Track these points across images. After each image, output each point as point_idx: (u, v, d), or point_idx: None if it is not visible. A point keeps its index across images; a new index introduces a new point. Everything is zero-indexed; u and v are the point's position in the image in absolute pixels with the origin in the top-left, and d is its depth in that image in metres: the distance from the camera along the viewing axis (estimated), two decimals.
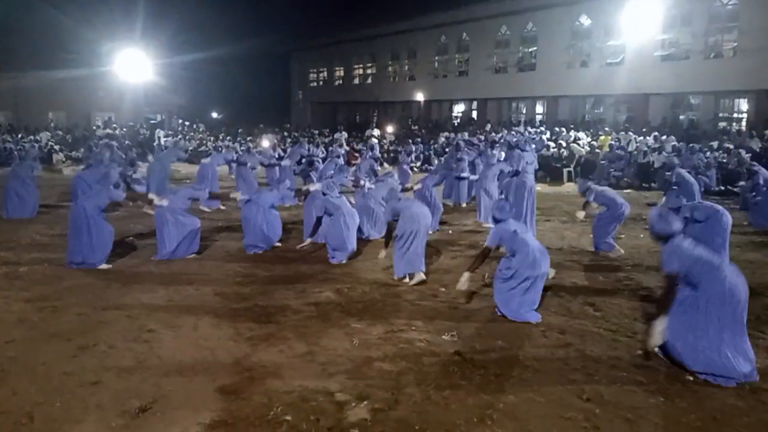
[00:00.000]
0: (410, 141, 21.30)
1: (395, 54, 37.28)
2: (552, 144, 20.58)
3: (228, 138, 27.27)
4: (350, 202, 8.42)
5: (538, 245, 5.71)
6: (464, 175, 12.09)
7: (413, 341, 5.08)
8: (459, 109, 35.22)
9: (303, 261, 7.95)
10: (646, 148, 18.17)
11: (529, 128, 25.67)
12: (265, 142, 21.36)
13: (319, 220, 7.98)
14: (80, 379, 4.29)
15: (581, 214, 8.76)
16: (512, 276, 5.59)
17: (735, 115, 24.16)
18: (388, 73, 38.14)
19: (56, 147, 24.08)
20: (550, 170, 18.48)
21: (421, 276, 6.86)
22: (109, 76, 29.35)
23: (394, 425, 3.71)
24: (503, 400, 4.03)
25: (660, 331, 4.31)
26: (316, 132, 30.13)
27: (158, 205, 7.89)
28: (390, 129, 31.29)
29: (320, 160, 13.85)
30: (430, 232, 9.29)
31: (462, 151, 13.25)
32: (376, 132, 29.01)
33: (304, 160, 13.89)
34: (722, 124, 23.30)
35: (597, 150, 19.36)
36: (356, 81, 40.75)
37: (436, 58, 34.37)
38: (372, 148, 20.30)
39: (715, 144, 18.93)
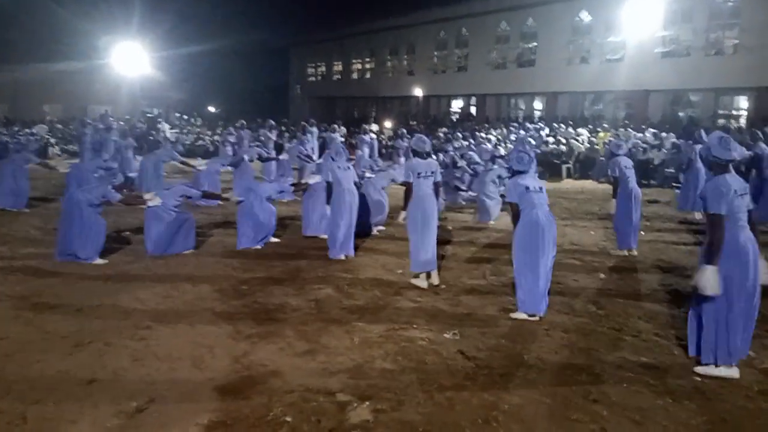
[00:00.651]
0: (401, 137, 20.99)
1: (394, 49, 37.15)
2: (551, 140, 20.50)
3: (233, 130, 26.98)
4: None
5: (546, 211, 5.54)
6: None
7: (415, 340, 5.00)
8: (458, 104, 35.13)
9: (302, 257, 7.85)
10: (645, 146, 18.09)
11: (527, 124, 25.57)
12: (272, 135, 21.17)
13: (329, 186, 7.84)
14: (75, 377, 4.19)
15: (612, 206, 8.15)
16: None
17: (734, 112, 24.11)
18: (386, 68, 38.02)
19: (52, 141, 23.92)
20: (548, 166, 18.40)
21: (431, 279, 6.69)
22: (106, 69, 29.16)
23: (398, 427, 3.63)
24: (508, 401, 3.95)
25: (713, 280, 4.03)
26: (313, 121, 29.91)
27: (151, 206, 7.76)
28: (388, 124, 31.18)
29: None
30: (375, 231, 9.21)
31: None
32: (375, 127, 28.89)
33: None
34: (722, 121, 23.24)
35: (596, 146, 19.29)
36: (355, 76, 40.61)
37: (435, 53, 34.25)
38: (363, 141, 20.03)
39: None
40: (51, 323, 5.26)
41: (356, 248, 7.96)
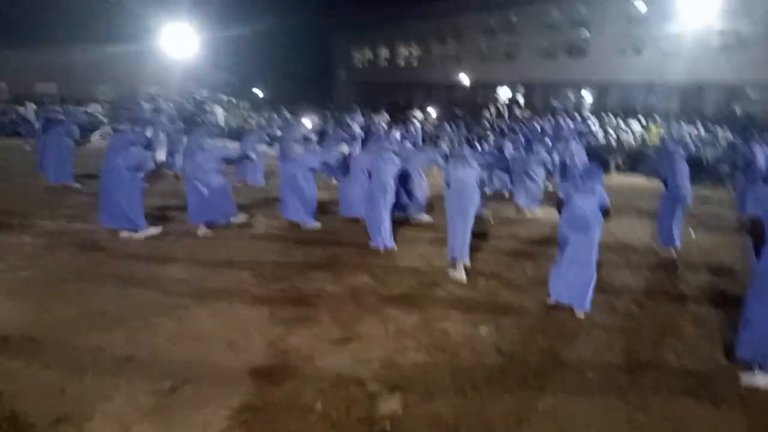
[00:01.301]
0: (446, 124, 20.77)
1: (441, 36, 36.76)
2: (600, 132, 19.96)
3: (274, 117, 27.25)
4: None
5: (590, 208, 5.41)
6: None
7: (450, 332, 4.93)
8: (505, 92, 34.56)
9: (341, 243, 7.85)
10: (699, 143, 17.44)
11: (576, 114, 24.97)
12: (307, 122, 21.30)
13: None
14: (114, 354, 4.28)
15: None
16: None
17: None
18: (433, 55, 37.68)
19: (105, 120, 24.55)
20: (596, 160, 17.92)
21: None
22: (156, 51, 29.67)
23: (427, 420, 3.59)
24: (542, 401, 3.87)
25: None
26: (358, 108, 29.93)
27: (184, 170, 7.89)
28: (433, 112, 30.91)
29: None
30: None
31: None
32: (419, 114, 28.68)
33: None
34: None
35: (646, 140, 18.71)
36: (401, 62, 40.38)
37: (483, 40, 33.73)
38: (408, 131, 19.97)
39: None
40: (93, 299, 5.39)
41: (394, 236, 7.89)
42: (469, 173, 6.56)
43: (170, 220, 8.84)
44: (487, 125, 22.72)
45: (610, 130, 20.29)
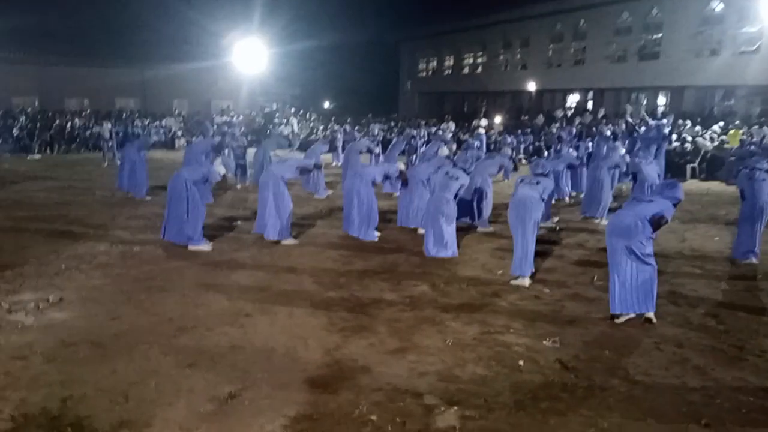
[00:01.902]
0: (507, 135, 20.47)
1: (507, 43, 36.25)
2: (674, 137, 19.11)
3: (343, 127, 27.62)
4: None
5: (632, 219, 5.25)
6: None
7: (511, 345, 4.78)
8: (573, 99, 33.71)
9: (400, 251, 7.81)
10: None
11: (650, 120, 24.02)
12: (374, 131, 21.53)
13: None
14: (176, 360, 4.38)
15: None
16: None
17: None
18: (498, 62, 37.18)
19: (179, 133, 25.59)
20: (672, 166, 17.17)
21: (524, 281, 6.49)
22: (228, 66, 30.75)
23: None
24: (608, 419, 3.67)
25: None
26: (423, 121, 29.91)
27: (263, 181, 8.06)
28: (498, 119, 30.52)
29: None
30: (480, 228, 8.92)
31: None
32: (484, 122, 28.38)
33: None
34: None
35: (725, 145, 17.77)
36: (465, 70, 40.08)
37: (551, 46, 33.04)
38: (479, 138, 19.93)
39: None
40: (159, 306, 5.56)
41: (457, 245, 7.78)
42: (531, 187, 6.43)
43: (238, 228, 9.05)
44: (554, 132, 22.21)
45: (687, 136, 19.41)
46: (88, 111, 28.18)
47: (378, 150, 14.74)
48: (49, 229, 8.72)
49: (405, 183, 8.97)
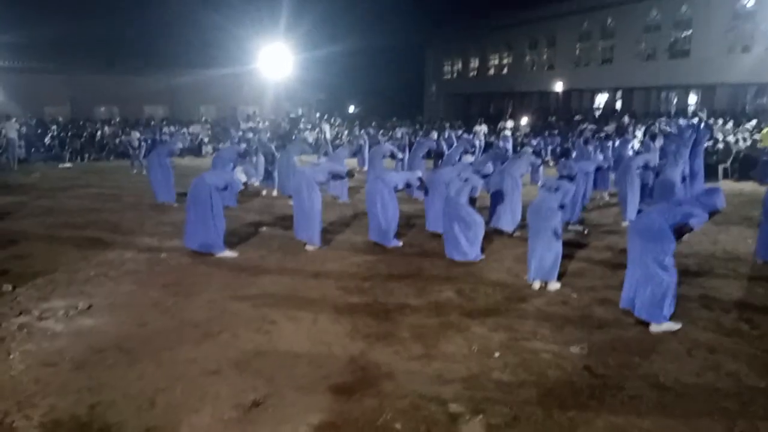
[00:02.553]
0: (535, 135, 20.29)
1: (533, 42, 35.95)
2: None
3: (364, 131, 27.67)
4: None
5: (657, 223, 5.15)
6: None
7: (538, 352, 4.70)
8: (601, 99, 33.25)
9: (425, 256, 7.76)
10: None
11: (680, 120, 23.57)
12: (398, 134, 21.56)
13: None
14: (202, 367, 4.40)
15: None
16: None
17: None
18: (525, 63, 36.88)
19: (205, 140, 25.88)
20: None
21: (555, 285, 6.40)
22: (253, 72, 31.07)
23: None
24: (638, 426, 3.58)
25: None
26: (447, 124, 29.78)
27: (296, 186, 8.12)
28: (525, 120, 30.25)
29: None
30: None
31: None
32: (510, 124, 28.16)
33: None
34: None
35: (759, 144, 17.33)
36: (491, 71, 39.85)
37: (578, 45, 32.66)
38: (505, 140, 19.84)
39: None
40: (186, 312, 5.60)
41: (482, 249, 7.70)
42: (550, 194, 6.34)
43: (263, 234, 9.10)
44: (581, 133, 21.93)
45: (719, 134, 18.99)
46: (118, 119, 28.72)
47: (402, 155, 14.67)
48: (79, 236, 8.87)
49: (425, 191, 8.97)
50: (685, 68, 26.54)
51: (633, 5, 28.54)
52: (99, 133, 24.65)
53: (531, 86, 35.76)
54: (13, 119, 20.71)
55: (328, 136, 25.10)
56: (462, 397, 3.95)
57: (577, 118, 23.31)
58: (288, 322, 5.36)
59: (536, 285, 6.33)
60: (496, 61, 39.47)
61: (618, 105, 31.26)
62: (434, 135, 18.88)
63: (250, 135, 19.29)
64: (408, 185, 9.02)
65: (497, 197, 9.05)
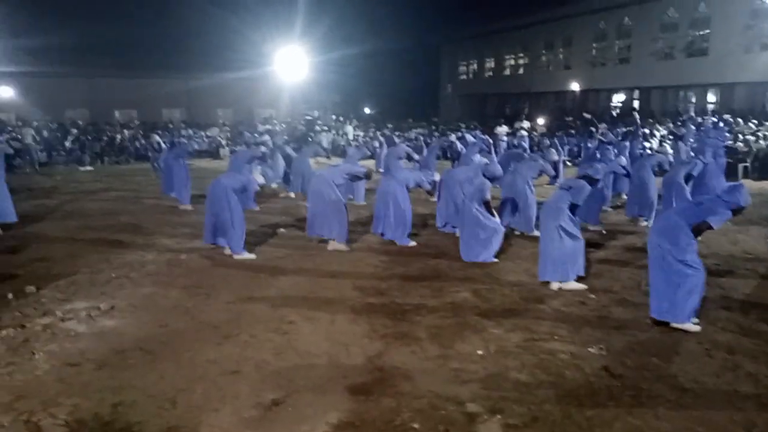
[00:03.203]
0: (550, 136, 20.21)
1: (549, 42, 35.81)
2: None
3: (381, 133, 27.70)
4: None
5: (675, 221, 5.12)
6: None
7: (555, 352, 4.70)
8: (618, 98, 33.01)
9: (442, 257, 7.78)
10: None
11: (700, 119, 23.31)
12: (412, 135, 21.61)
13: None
14: (222, 367, 4.46)
15: None
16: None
17: None
18: (541, 63, 36.76)
19: (223, 142, 26.12)
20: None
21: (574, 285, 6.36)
22: (270, 74, 31.30)
23: None
24: (656, 427, 3.57)
25: None
26: (463, 126, 29.74)
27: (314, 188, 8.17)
28: (541, 121, 30.12)
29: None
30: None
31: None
32: (526, 124, 28.03)
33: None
34: None
35: None
36: (507, 72, 39.77)
37: (594, 45, 32.49)
38: (521, 140, 19.80)
39: None
40: (205, 313, 5.67)
41: (500, 251, 7.69)
42: (562, 192, 6.32)
43: (280, 236, 9.17)
44: (597, 133, 21.78)
45: (737, 134, 18.79)
46: (137, 123, 29.06)
47: (417, 156, 14.70)
48: (100, 238, 9.00)
49: (438, 196, 9.05)
50: (703, 67, 26.29)
51: (650, 4, 28.34)
52: (119, 136, 24.97)
53: (547, 86, 35.62)
54: (34, 124, 21.06)
55: (350, 137, 25.18)
56: (479, 397, 3.96)
57: (587, 116, 23.12)
58: (306, 323, 5.40)
59: (554, 285, 6.31)
60: (512, 62, 39.37)
61: (636, 104, 31.03)
62: (452, 137, 18.87)
63: (266, 138, 19.43)
64: (418, 185, 9.03)
65: (509, 197, 9.05)
